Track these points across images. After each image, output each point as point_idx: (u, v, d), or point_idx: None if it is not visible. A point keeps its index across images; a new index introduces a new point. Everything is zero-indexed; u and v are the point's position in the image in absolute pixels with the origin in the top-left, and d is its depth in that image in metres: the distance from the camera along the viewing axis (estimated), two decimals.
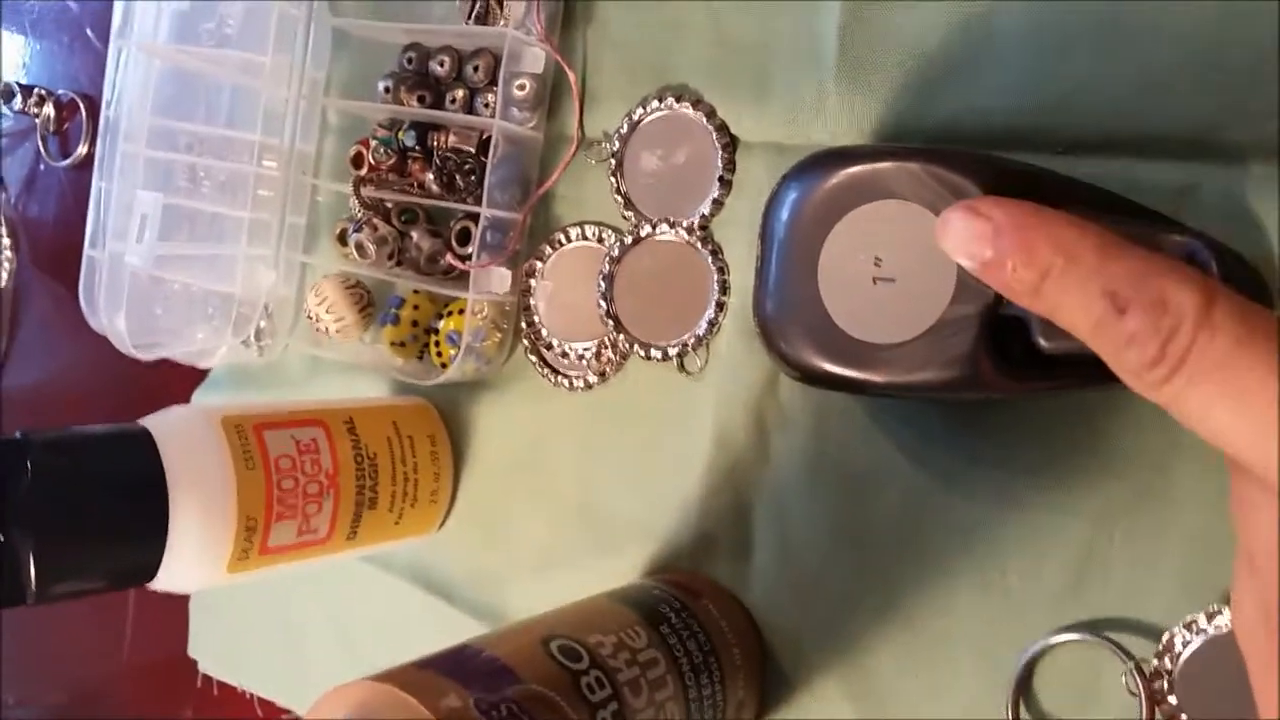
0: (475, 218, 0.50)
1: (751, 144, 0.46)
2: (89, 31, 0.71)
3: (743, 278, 0.46)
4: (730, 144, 0.46)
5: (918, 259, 0.34)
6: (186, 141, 0.54)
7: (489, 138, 0.50)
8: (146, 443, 0.42)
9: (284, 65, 0.53)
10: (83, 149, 0.71)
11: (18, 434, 0.40)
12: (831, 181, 0.36)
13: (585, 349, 0.50)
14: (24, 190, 0.75)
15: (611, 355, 0.49)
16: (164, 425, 0.43)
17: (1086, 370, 0.31)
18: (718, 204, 0.46)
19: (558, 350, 0.50)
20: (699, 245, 0.47)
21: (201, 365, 0.59)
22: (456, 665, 0.34)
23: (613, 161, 0.48)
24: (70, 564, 0.41)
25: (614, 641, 0.38)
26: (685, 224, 0.47)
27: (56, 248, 0.73)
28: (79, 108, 0.72)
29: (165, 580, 0.43)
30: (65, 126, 0.73)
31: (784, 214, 0.37)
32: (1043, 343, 0.32)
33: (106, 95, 0.61)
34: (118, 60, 0.59)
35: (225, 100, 0.54)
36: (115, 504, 0.41)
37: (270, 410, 0.47)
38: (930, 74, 0.41)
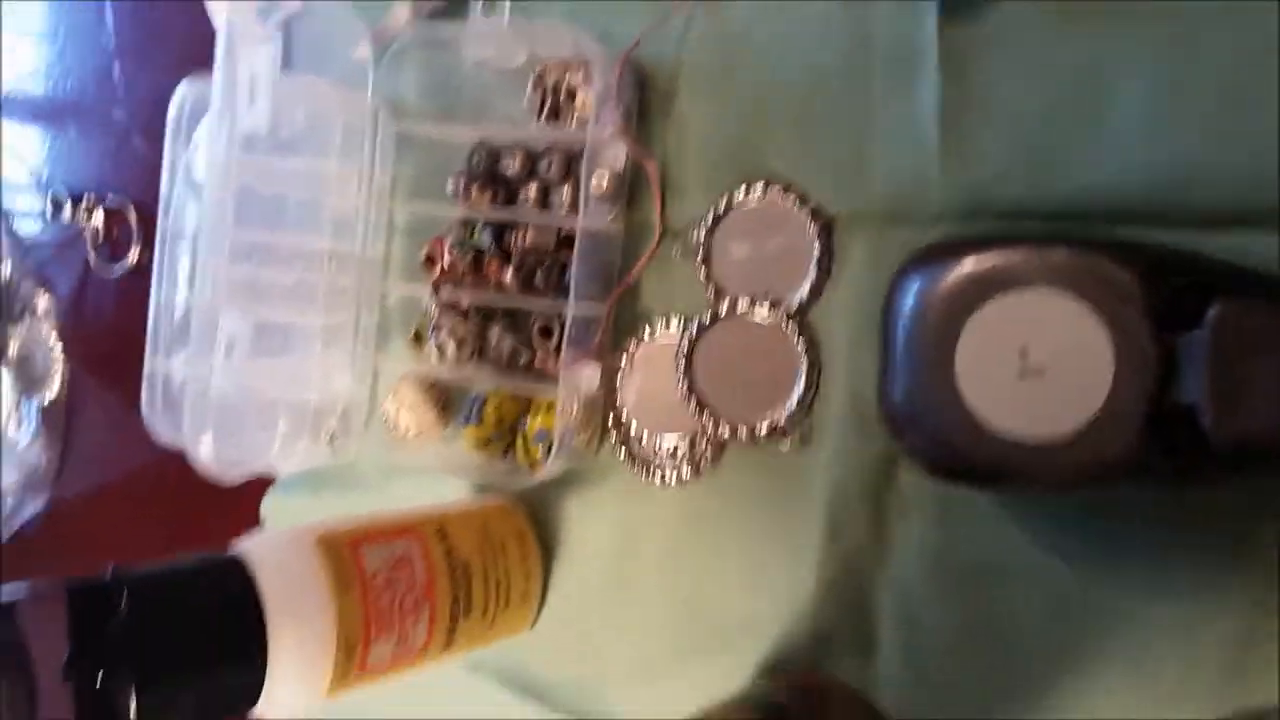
0: (555, 314, 0.48)
1: (850, 228, 0.44)
2: (136, 138, 0.71)
3: (847, 361, 0.44)
4: (826, 228, 0.45)
5: (1069, 350, 0.32)
6: (254, 249, 0.53)
7: (567, 233, 0.49)
8: (242, 572, 0.40)
9: (351, 172, 0.52)
10: (133, 256, 0.70)
11: (109, 572, 0.38)
12: (964, 271, 0.34)
13: (676, 443, 0.48)
14: (74, 299, 0.74)
15: (704, 447, 0.47)
16: (258, 551, 0.41)
17: (1261, 460, 0.29)
18: (816, 289, 0.45)
19: (648, 445, 0.49)
20: (783, 322, 0.45)
21: (276, 473, 0.58)
22: None
23: (700, 252, 0.47)
24: (171, 702, 0.39)
25: None
26: (773, 301, 0.46)
27: (109, 356, 0.72)
28: (128, 216, 0.71)
29: (264, 709, 0.41)
30: (114, 234, 0.72)
31: (910, 303, 0.36)
32: (1215, 432, 0.31)
33: (163, 204, 0.60)
34: (173, 170, 0.59)
35: (291, 207, 0.53)
36: (214, 637, 0.39)
37: (362, 525, 0.45)
38: (1041, 150, 0.40)
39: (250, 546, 0.42)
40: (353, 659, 0.43)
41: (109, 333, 0.72)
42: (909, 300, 0.36)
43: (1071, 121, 0.39)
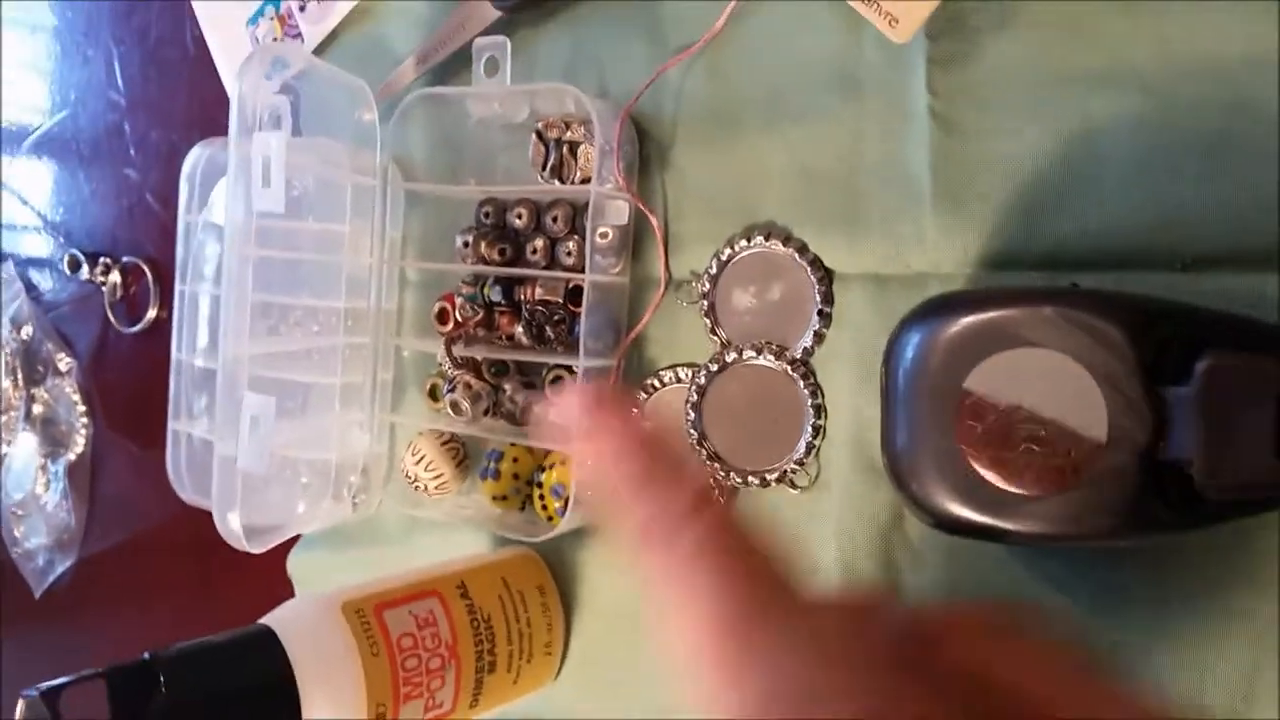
0: (567, 367, 0.49)
1: (849, 276, 0.45)
2: (149, 197, 0.72)
3: (850, 408, 0.45)
4: (826, 277, 0.46)
5: (1064, 406, 0.33)
6: (270, 312, 0.54)
7: (575, 286, 0.50)
8: (273, 644, 0.42)
9: (363, 232, 0.53)
10: (151, 314, 0.72)
11: (145, 655, 0.39)
12: (959, 328, 0.35)
13: None
14: (94, 357, 0.75)
15: (715, 493, 0.48)
16: (287, 622, 0.43)
17: (1253, 509, 0.30)
18: (818, 337, 0.46)
19: None
20: (790, 369, 0.46)
21: (299, 532, 0.59)
22: None
23: (704, 302, 0.48)
24: None
25: None
26: (777, 349, 0.47)
27: (131, 413, 0.74)
28: (144, 273, 0.72)
29: None
30: (132, 292, 0.73)
31: (909, 356, 0.37)
32: (1207, 486, 0.31)
33: (179, 269, 0.61)
34: (187, 234, 0.60)
35: (306, 268, 0.54)
36: (249, 711, 0.41)
37: (385, 588, 0.46)
38: (1032, 199, 0.41)
39: (279, 618, 0.43)
40: None
41: (130, 390, 0.74)
42: (908, 355, 0.37)
43: (1061, 169, 0.40)
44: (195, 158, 0.60)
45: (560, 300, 0.51)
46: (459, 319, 0.53)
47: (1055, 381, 0.33)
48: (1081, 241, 0.40)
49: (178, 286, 0.59)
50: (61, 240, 0.77)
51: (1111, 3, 0.39)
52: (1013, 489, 0.34)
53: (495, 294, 0.52)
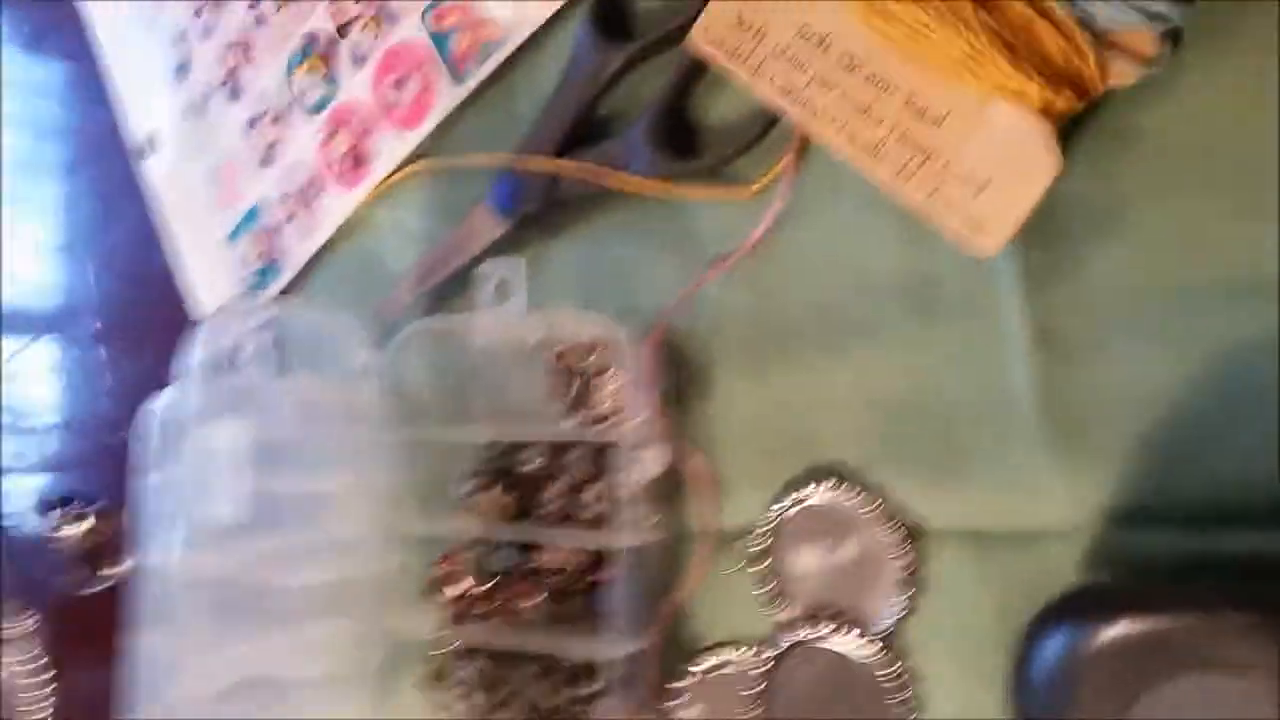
0: (593, 650, 0.41)
1: (942, 533, 0.37)
2: (123, 438, 0.65)
3: (955, 694, 0.36)
4: (912, 534, 0.37)
5: None
6: (242, 599, 0.46)
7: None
8: None
9: (354, 486, 0.46)
10: (126, 565, 0.63)
11: None
12: (1123, 637, 0.26)
13: None
14: (61, 616, 0.67)
15: None
16: None
17: None
18: (908, 608, 0.37)
19: None
20: (869, 648, 0.37)
21: None
22: None
23: (762, 563, 0.40)
24: None
25: None
26: (856, 623, 0.38)
27: (98, 679, 0.65)
28: (117, 521, 0.65)
29: None
30: (105, 541, 0.65)
31: (1052, 671, 0.28)
32: None
33: (141, 535, 0.53)
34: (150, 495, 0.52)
35: (289, 532, 0.46)
36: None
37: None
38: (1166, 437, 0.33)
39: None
40: None
41: (99, 651, 0.65)
42: (1050, 668, 0.28)
43: (1200, 400, 0.32)
44: (158, 410, 0.52)
45: (584, 564, 0.42)
46: (462, 590, 0.44)
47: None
48: (1234, 491, 0.31)
49: (138, 558, 0.51)
50: (35, 488, 0.70)
51: (1225, 204, 0.32)
52: None
53: (505, 560, 0.43)
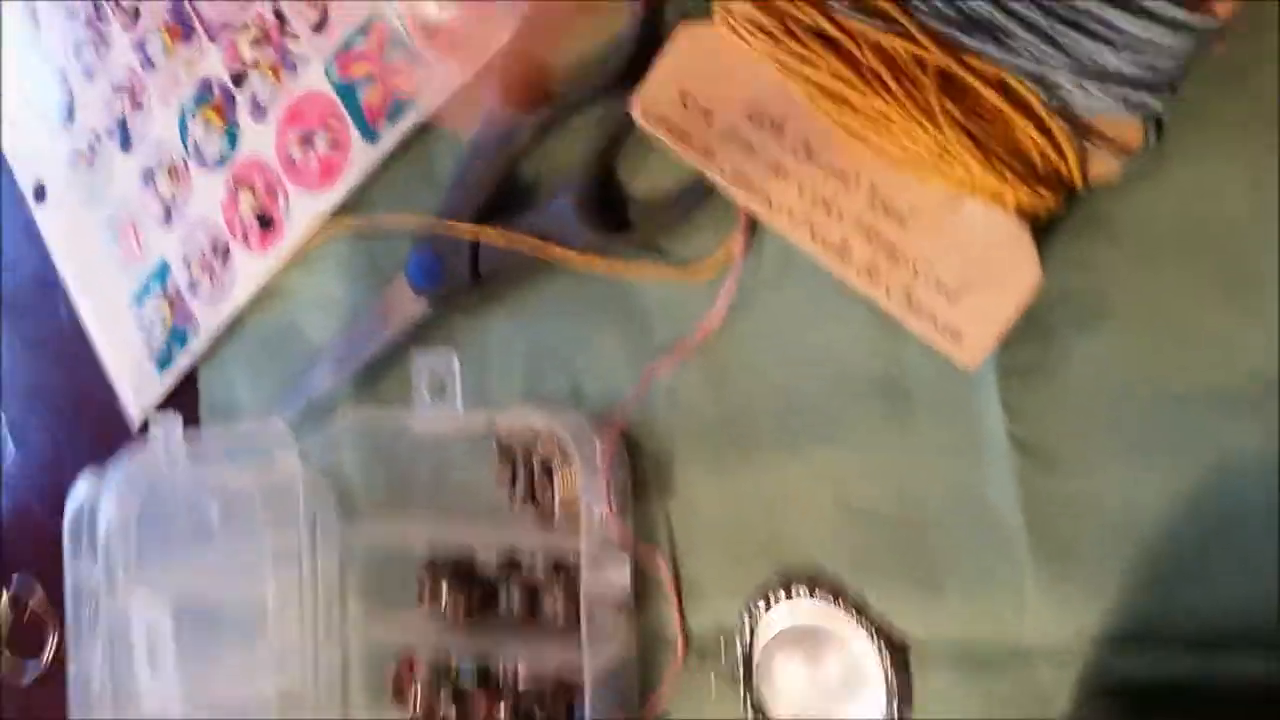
0: None
1: (928, 647, 0.35)
2: (39, 511, 0.61)
3: None
4: (898, 648, 0.35)
5: None
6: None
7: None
8: None
9: (289, 591, 0.43)
10: (48, 655, 0.60)
11: None
12: None
13: None
14: None
15: None
16: None
17: None
18: None
19: None
20: None
21: None
22: None
23: (738, 676, 0.38)
24: None
25: None
26: None
27: None
28: (38, 602, 0.60)
29: None
30: (25, 625, 0.61)
31: None
32: None
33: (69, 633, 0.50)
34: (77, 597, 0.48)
35: (221, 646, 0.43)
36: None
37: None
38: (1159, 552, 0.31)
39: None
40: None
41: None
42: None
43: (1194, 514, 0.31)
44: (79, 499, 0.49)
45: (550, 674, 0.40)
46: (420, 705, 0.41)
47: None
48: (1229, 616, 0.30)
49: (70, 663, 0.48)
50: None
51: (1215, 300, 0.30)
52: None
53: (466, 675, 0.41)
